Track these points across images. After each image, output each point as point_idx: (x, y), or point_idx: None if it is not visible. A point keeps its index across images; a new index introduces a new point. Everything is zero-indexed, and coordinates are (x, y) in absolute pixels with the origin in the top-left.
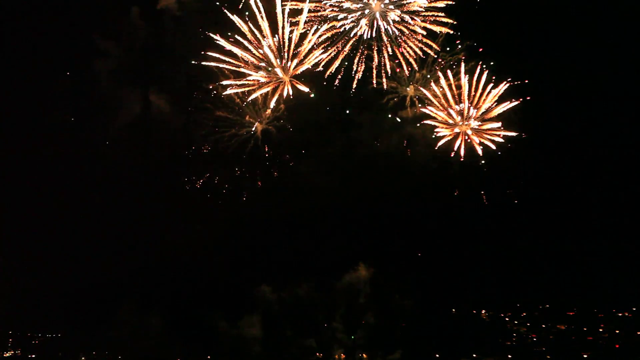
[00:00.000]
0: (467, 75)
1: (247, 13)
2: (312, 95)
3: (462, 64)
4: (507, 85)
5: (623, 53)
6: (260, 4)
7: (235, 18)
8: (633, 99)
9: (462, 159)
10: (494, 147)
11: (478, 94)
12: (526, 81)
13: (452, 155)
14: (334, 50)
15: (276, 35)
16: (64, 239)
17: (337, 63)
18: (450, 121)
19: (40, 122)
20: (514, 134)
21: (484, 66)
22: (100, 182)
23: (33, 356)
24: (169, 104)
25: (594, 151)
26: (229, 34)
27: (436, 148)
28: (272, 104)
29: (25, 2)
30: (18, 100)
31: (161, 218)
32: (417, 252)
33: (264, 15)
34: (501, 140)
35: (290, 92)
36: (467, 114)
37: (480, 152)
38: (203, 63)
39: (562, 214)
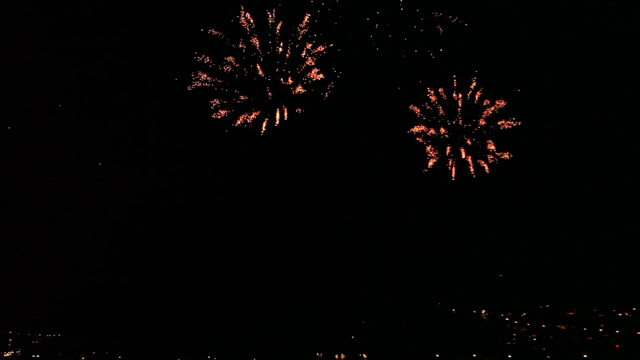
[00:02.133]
0: (461, 93)
1: (242, 39)
2: (304, 113)
3: (455, 81)
4: (504, 104)
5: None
6: (252, 20)
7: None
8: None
9: (453, 179)
10: (487, 169)
11: (471, 112)
12: (521, 98)
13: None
14: (328, 70)
15: (268, 53)
16: (64, 239)
17: (332, 85)
18: (442, 138)
19: (41, 122)
20: (507, 156)
21: (479, 86)
22: (100, 183)
23: (34, 356)
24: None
25: (594, 150)
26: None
27: (426, 170)
28: (264, 127)
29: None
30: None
31: (161, 218)
32: (417, 252)
33: (256, 35)
34: (495, 161)
35: (286, 115)
36: (459, 131)
37: (472, 172)
38: (192, 86)
39: (561, 214)
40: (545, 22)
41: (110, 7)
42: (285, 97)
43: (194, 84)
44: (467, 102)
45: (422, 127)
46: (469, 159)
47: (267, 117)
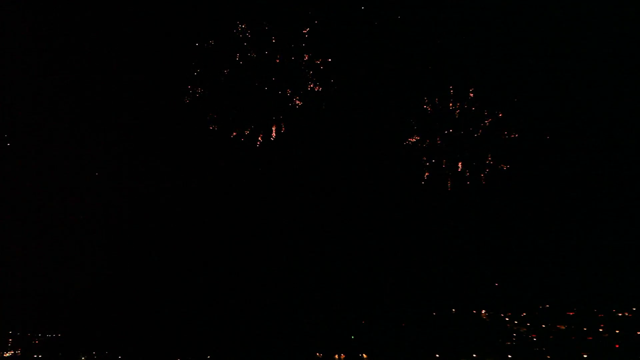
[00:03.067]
0: (459, 103)
1: (238, 50)
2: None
3: (451, 90)
4: (501, 115)
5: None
6: (249, 31)
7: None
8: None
9: (449, 189)
10: (483, 181)
11: (468, 123)
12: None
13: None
14: (327, 83)
15: (265, 64)
16: (64, 239)
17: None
18: (437, 149)
19: (41, 123)
20: (504, 167)
21: (476, 96)
22: (100, 186)
23: (34, 356)
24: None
25: (593, 150)
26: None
27: (422, 183)
28: (260, 139)
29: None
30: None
31: (160, 220)
32: (417, 252)
33: (253, 46)
34: (493, 171)
35: (283, 128)
36: (456, 142)
37: (468, 183)
38: (187, 98)
39: (561, 213)
40: (546, 29)
41: (106, 17)
42: (282, 109)
43: (189, 96)
44: (464, 112)
45: (417, 138)
46: (467, 172)
47: (264, 129)
